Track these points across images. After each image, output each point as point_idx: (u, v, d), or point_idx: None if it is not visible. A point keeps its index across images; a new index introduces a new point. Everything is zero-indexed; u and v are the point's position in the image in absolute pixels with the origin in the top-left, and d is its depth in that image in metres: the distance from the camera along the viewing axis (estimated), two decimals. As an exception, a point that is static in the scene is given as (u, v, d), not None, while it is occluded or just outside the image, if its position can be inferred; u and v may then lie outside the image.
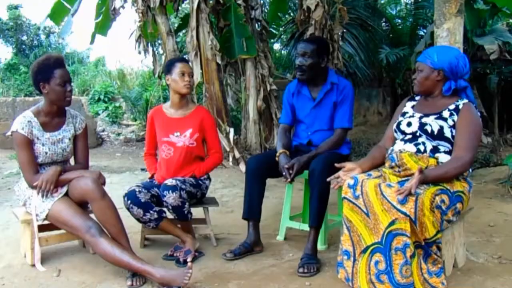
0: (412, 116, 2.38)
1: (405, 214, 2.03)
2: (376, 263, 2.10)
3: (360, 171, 2.34)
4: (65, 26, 6.56)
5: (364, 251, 2.16)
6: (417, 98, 2.51)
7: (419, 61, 2.37)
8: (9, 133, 2.53)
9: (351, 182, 2.24)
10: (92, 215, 2.44)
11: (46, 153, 2.52)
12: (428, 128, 2.26)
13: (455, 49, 2.40)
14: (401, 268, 2.04)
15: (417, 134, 2.30)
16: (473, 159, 2.23)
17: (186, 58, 5.88)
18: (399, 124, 2.40)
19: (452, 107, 2.30)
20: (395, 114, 2.54)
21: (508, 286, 2.24)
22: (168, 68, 2.82)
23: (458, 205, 2.21)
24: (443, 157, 2.24)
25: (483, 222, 3.33)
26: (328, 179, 2.44)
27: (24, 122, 2.47)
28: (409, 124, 2.35)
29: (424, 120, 2.31)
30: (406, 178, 2.20)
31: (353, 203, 2.21)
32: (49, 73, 2.47)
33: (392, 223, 2.06)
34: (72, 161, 2.75)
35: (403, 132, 2.36)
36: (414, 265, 2.08)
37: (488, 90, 7.86)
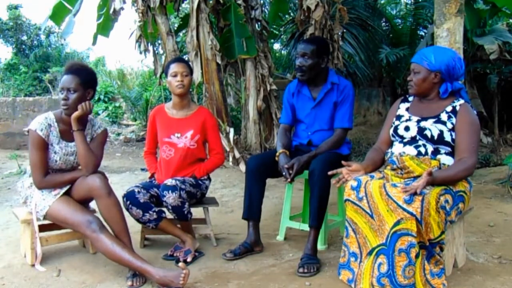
0: (409, 120, 2.35)
1: (411, 213, 2.03)
2: (379, 265, 2.09)
3: (363, 173, 2.31)
4: (67, 26, 6.56)
5: (370, 253, 2.15)
6: (410, 99, 2.47)
7: (415, 62, 2.32)
8: (26, 129, 2.46)
9: (354, 184, 2.22)
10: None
11: (56, 161, 2.47)
12: (428, 133, 2.24)
13: (451, 51, 2.37)
14: (404, 269, 2.04)
15: (417, 138, 2.28)
16: (477, 162, 2.23)
17: (186, 58, 5.90)
18: (396, 128, 2.37)
19: (449, 108, 2.28)
20: (389, 116, 2.50)
21: (508, 286, 2.24)
22: (165, 71, 2.86)
23: (460, 205, 2.21)
24: (445, 159, 2.23)
25: (483, 222, 3.33)
26: (329, 173, 2.44)
27: (44, 123, 2.42)
28: (407, 129, 2.32)
29: (422, 124, 2.28)
30: (410, 180, 2.20)
31: (357, 205, 2.20)
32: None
33: (397, 223, 2.05)
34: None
35: (401, 137, 2.34)
36: (418, 266, 2.08)
37: (488, 90, 7.86)
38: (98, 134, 2.58)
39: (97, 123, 2.63)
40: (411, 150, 2.26)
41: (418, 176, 2.19)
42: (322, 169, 2.54)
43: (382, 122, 2.60)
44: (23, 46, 15.33)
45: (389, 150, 2.39)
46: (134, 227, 2.84)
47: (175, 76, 2.75)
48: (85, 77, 2.45)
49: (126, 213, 2.58)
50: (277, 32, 9.08)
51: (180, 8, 6.55)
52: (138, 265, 2.24)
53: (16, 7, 15.10)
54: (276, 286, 2.28)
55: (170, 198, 2.52)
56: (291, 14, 8.97)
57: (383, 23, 9.47)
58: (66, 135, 2.48)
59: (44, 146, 2.41)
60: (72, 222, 2.36)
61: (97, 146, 2.53)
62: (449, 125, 2.24)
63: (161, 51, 8.74)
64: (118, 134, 9.29)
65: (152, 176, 2.91)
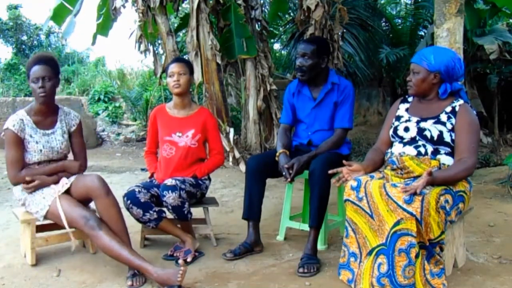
0: (409, 121, 2.34)
1: (411, 213, 2.03)
2: (379, 265, 2.09)
3: (363, 173, 2.31)
4: (68, 27, 6.55)
5: (370, 253, 2.15)
6: (410, 99, 2.47)
7: (415, 62, 2.32)
8: (3, 133, 2.53)
9: (354, 184, 2.22)
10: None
11: (41, 150, 2.51)
12: (428, 133, 2.24)
13: (451, 51, 2.37)
14: (404, 269, 2.04)
15: (416, 139, 2.28)
16: (477, 162, 2.23)
17: (186, 58, 5.89)
18: (396, 129, 2.37)
19: (448, 109, 2.28)
20: (388, 117, 2.50)
21: (508, 286, 2.24)
22: (165, 71, 2.87)
23: (460, 205, 2.21)
24: (445, 159, 2.23)
25: (483, 222, 3.33)
26: (330, 172, 2.43)
27: (16, 119, 2.47)
28: (406, 129, 2.32)
29: (422, 125, 2.28)
30: (410, 180, 2.20)
31: (357, 205, 2.20)
32: (28, 72, 2.50)
33: (397, 223, 2.05)
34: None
35: (401, 137, 2.34)
36: (418, 266, 2.08)
37: (488, 90, 7.87)
38: (77, 125, 2.66)
39: (70, 111, 2.71)
40: (411, 150, 2.26)
41: (418, 176, 2.19)
42: (322, 169, 2.54)
43: (382, 122, 2.60)
44: (23, 46, 15.33)
45: (389, 150, 2.39)
46: (134, 227, 2.84)
47: (171, 76, 2.77)
48: (56, 66, 2.55)
49: (126, 213, 2.59)
50: (277, 32, 9.08)
51: (180, 8, 6.55)
52: (136, 263, 2.24)
53: (16, 7, 15.10)
54: (276, 286, 2.28)
55: (170, 198, 2.52)
56: (291, 14, 8.98)
57: (383, 23, 9.47)
58: (41, 124, 2.54)
59: (18, 142, 2.46)
60: (70, 218, 2.36)
61: (79, 140, 2.67)
62: (449, 126, 2.24)
63: (161, 51, 8.74)
64: (118, 134, 9.28)
65: (152, 175, 2.91)
